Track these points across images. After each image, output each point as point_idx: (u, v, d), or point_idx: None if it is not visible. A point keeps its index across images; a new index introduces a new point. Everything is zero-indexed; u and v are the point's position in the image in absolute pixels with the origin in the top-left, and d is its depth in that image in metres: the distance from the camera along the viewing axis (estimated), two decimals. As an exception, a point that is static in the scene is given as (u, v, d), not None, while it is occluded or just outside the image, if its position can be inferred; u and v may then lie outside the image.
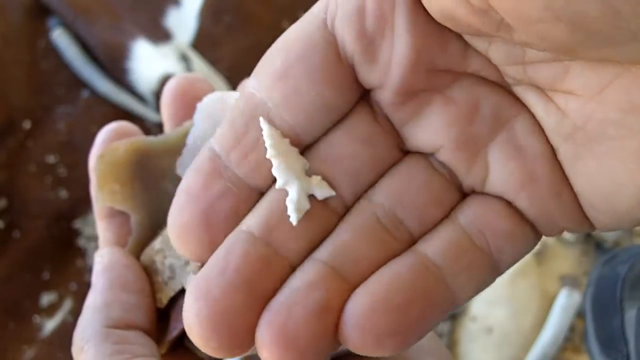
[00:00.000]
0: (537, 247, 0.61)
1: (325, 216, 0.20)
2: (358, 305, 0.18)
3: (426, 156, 0.22)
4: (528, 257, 0.61)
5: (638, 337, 0.46)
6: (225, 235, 0.20)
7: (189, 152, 0.28)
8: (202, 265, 0.20)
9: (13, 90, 0.65)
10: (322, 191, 0.20)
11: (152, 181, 0.29)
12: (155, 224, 0.29)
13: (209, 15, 0.69)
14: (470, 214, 0.21)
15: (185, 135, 0.28)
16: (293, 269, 0.20)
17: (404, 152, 0.22)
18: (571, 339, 0.58)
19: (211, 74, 0.65)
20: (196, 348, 0.27)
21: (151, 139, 0.29)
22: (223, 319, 0.18)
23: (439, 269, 0.20)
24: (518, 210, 0.21)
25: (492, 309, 0.59)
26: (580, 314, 0.58)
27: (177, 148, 0.28)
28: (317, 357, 0.18)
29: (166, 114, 0.30)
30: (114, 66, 0.66)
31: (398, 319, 0.18)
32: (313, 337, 0.18)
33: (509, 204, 0.21)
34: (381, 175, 0.21)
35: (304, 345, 0.18)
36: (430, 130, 0.21)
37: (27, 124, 0.64)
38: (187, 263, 0.27)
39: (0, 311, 0.59)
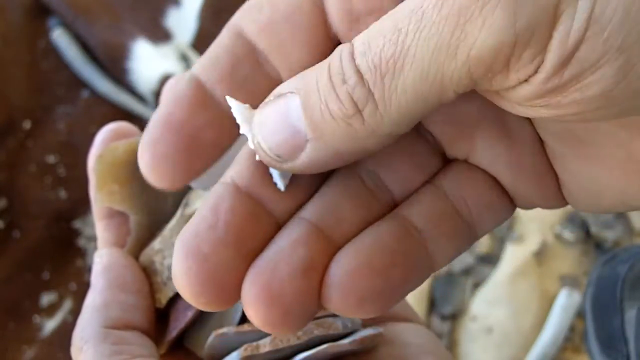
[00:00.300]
0: (537, 247, 0.62)
1: (312, 177, 0.21)
2: (341, 267, 0.19)
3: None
4: (528, 257, 0.61)
5: (638, 337, 0.46)
6: (206, 167, 0.20)
7: None
8: None
9: (13, 90, 0.65)
10: None
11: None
12: (154, 224, 0.29)
13: (209, 15, 0.69)
14: (453, 180, 0.21)
15: None
16: (279, 226, 0.20)
17: None
18: (571, 339, 0.58)
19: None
20: (196, 348, 0.27)
21: None
22: (213, 275, 0.18)
23: (420, 234, 0.20)
24: (499, 184, 0.21)
25: (492, 309, 0.59)
26: (580, 314, 0.58)
27: None
28: (301, 315, 0.18)
29: None
30: (114, 66, 0.66)
31: (380, 282, 0.19)
32: (297, 295, 0.18)
33: (491, 177, 0.21)
34: None
35: (289, 303, 0.18)
36: None
37: (27, 124, 0.64)
38: None
39: (0, 311, 0.59)
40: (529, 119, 0.21)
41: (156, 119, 0.20)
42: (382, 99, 0.17)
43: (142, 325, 0.26)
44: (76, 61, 0.66)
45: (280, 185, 0.20)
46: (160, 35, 0.68)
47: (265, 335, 0.25)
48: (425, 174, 0.21)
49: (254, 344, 0.24)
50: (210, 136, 0.20)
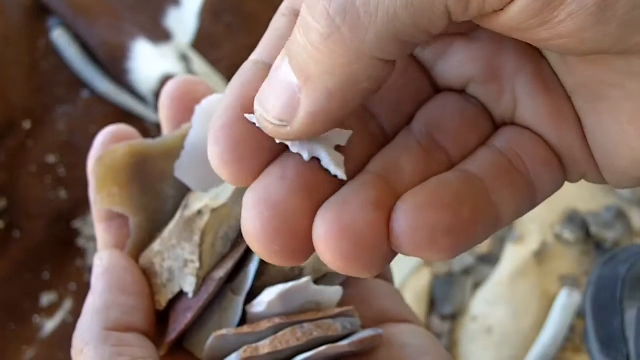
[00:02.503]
0: (537, 247, 0.62)
1: (370, 143, 0.20)
2: (408, 203, 0.18)
3: (458, 92, 0.22)
4: (528, 257, 0.61)
5: (638, 337, 0.46)
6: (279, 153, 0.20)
7: (187, 155, 0.28)
8: None
9: (13, 90, 0.65)
10: (341, 136, 0.20)
11: (150, 184, 0.29)
12: (154, 226, 0.29)
13: (209, 15, 0.69)
14: (505, 140, 0.21)
15: (184, 138, 0.28)
16: (343, 183, 0.19)
17: (437, 90, 0.22)
18: (571, 339, 0.58)
19: (211, 74, 0.65)
20: (195, 349, 0.27)
21: (149, 142, 0.29)
22: (284, 221, 0.18)
23: (483, 183, 0.20)
24: (548, 143, 0.21)
25: (492, 309, 0.59)
26: (580, 314, 0.58)
27: (175, 151, 0.28)
28: (373, 251, 0.18)
29: (164, 116, 0.30)
30: (114, 66, 0.66)
31: (449, 217, 0.18)
32: (368, 228, 0.18)
33: (540, 138, 0.21)
34: (418, 107, 0.22)
35: (360, 235, 0.18)
36: (458, 65, 0.22)
37: (27, 124, 0.64)
38: (185, 265, 0.27)
39: (0, 311, 0.59)
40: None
41: (230, 102, 0.19)
42: (367, 7, 0.16)
43: (143, 327, 0.26)
44: (76, 61, 0.66)
45: (340, 175, 0.19)
46: (160, 35, 0.68)
47: (265, 337, 0.25)
48: (478, 135, 0.21)
49: (254, 345, 0.24)
50: None
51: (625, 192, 0.63)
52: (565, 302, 0.58)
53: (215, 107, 0.27)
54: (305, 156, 0.19)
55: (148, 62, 0.65)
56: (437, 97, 0.22)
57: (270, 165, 0.19)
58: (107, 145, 0.29)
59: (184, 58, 0.66)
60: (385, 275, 0.31)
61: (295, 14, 0.21)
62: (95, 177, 0.28)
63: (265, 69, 0.19)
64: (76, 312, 0.60)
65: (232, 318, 0.26)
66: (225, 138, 0.19)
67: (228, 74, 0.65)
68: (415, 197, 0.18)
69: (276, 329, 0.25)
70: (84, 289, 0.58)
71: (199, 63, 0.66)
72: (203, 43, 0.68)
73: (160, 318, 0.27)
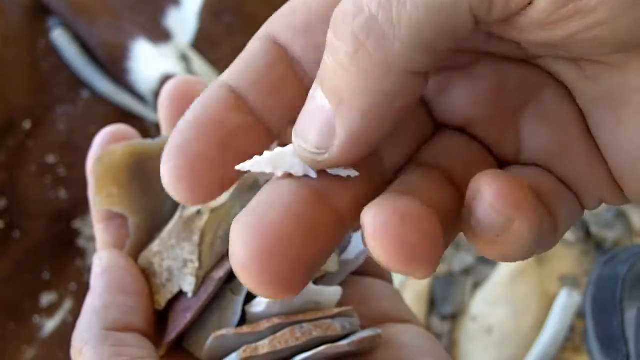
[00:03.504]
0: (537, 247, 0.61)
1: (373, 180, 0.20)
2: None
3: (459, 130, 0.22)
4: (528, 257, 0.61)
5: (638, 337, 0.46)
6: (237, 179, 0.19)
7: None
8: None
9: (13, 90, 0.65)
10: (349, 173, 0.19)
11: (149, 184, 0.29)
12: (153, 226, 0.29)
13: (209, 15, 0.69)
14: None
15: None
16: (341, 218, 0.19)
17: (437, 125, 0.22)
18: (571, 339, 0.58)
19: (211, 74, 0.65)
20: (195, 349, 0.27)
21: (148, 142, 0.29)
22: (279, 247, 0.17)
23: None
24: (556, 176, 0.21)
25: (492, 309, 0.59)
26: (580, 314, 0.58)
27: None
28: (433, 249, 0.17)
29: (163, 116, 0.30)
30: (114, 66, 0.66)
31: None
32: (421, 216, 0.17)
33: (546, 171, 0.21)
34: (419, 145, 0.21)
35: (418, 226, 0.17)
36: (459, 105, 0.21)
37: (27, 124, 0.64)
38: (184, 265, 0.27)
39: (0, 311, 0.59)
40: (567, 98, 0.20)
41: (187, 121, 0.19)
42: (390, 20, 0.16)
43: (142, 327, 0.26)
44: (76, 61, 0.66)
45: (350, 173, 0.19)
46: (160, 35, 0.68)
47: (264, 337, 0.25)
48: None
49: (253, 345, 0.24)
50: (244, 142, 0.19)
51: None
52: (565, 302, 0.58)
53: None
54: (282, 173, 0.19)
55: (148, 62, 0.65)
56: (439, 137, 0.22)
57: (261, 192, 0.19)
58: (106, 146, 0.29)
59: (184, 58, 0.66)
60: (385, 276, 0.31)
61: (271, 39, 0.20)
62: (94, 177, 0.28)
63: (231, 93, 0.19)
64: (76, 312, 0.60)
65: (231, 318, 0.26)
66: (180, 157, 0.18)
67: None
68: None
69: (275, 329, 0.25)
70: (84, 289, 0.58)
71: (199, 63, 0.66)
72: (203, 43, 0.68)
73: (160, 318, 0.27)
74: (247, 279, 0.17)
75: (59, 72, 0.67)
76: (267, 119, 0.20)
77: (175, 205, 0.29)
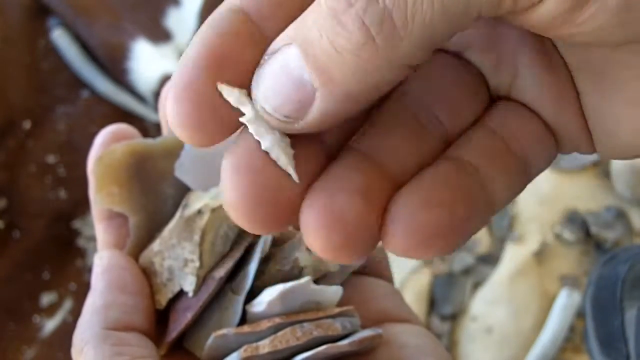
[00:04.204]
0: (537, 247, 0.62)
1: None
2: (403, 204, 0.18)
3: (455, 55, 0.21)
4: (528, 257, 0.61)
5: (638, 337, 0.46)
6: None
7: (187, 155, 0.28)
8: None
9: (13, 90, 0.65)
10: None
11: (150, 183, 0.29)
12: (154, 226, 0.29)
13: (209, 15, 0.69)
14: (500, 119, 0.20)
15: None
16: (330, 157, 0.19)
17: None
18: (571, 339, 0.58)
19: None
20: (195, 349, 0.27)
21: (149, 141, 0.29)
22: (266, 190, 0.17)
23: (478, 172, 0.19)
24: (542, 119, 0.21)
25: (492, 309, 0.59)
26: (580, 314, 0.58)
27: (175, 151, 0.28)
28: (363, 240, 0.17)
29: (164, 116, 0.30)
30: (114, 66, 0.66)
31: (445, 217, 0.18)
32: (357, 219, 0.17)
33: (534, 112, 0.21)
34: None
35: (349, 228, 0.17)
36: None
37: (27, 124, 0.64)
38: (185, 265, 0.27)
39: (0, 311, 0.59)
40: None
41: (198, 56, 0.18)
42: (404, 17, 0.16)
43: (143, 327, 0.26)
44: (76, 61, 0.66)
45: (293, 176, 0.18)
46: (160, 35, 0.68)
47: (265, 337, 0.25)
48: (474, 109, 0.21)
49: (254, 345, 0.24)
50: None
51: (625, 192, 0.63)
52: (565, 302, 0.58)
53: None
54: (264, 146, 0.18)
55: (148, 62, 0.65)
56: (433, 62, 0.21)
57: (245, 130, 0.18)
58: (106, 145, 0.29)
59: (184, 58, 0.66)
60: (385, 275, 0.31)
61: None
62: (94, 176, 0.28)
63: (246, 21, 0.18)
64: (76, 312, 0.60)
65: (232, 317, 0.26)
66: (188, 99, 0.17)
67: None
68: (410, 197, 0.18)
69: (276, 329, 0.25)
70: (84, 289, 0.58)
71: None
72: (203, 43, 0.68)
73: (160, 317, 0.27)
74: (237, 218, 0.18)
75: (59, 72, 0.67)
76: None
77: (176, 205, 0.29)
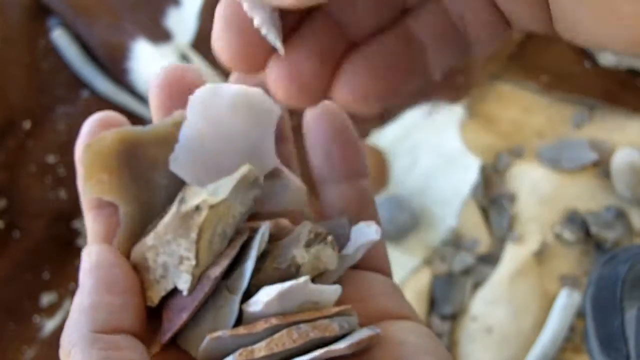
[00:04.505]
0: (537, 247, 0.62)
1: None
2: (351, 67, 0.22)
3: None
4: (528, 257, 0.61)
5: (638, 337, 0.46)
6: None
7: (182, 149, 0.27)
8: None
9: (13, 90, 0.65)
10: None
11: (141, 172, 0.27)
12: (146, 217, 0.28)
13: (209, 15, 0.69)
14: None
15: (175, 125, 0.27)
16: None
17: None
18: (571, 339, 0.58)
19: (211, 74, 0.65)
20: (190, 348, 0.26)
21: (139, 128, 0.28)
22: (248, 39, 0.22)
23: (422, 45, 0.23)
24: (493, 2, 0.22)
25: (492, 309, 0.59)
26: (580, 314, 0.58)
27: (166, 139, 0.27)
28: (315, 94, 0.22)
29: (154, 106, 0.29)
30: (114, 66, 0.66)
31: (383, 83, 0.22)
32: (313, 77, 0.22)
33: None
34: None
35: (306, 83, 0.22)
36: None
37: (27, 124, 0.64)
38: (180, 262, 0.26)
39: (0, 311, 0.59)
40: None
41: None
42: None
43: (132, 327, 0.25)
44: (76, 61, 0.66)
45: (280, 50, 0.22)
46: (160, 35, 0.68)
47: (261, 339, 0.24)
48: None
49: (249, 348, 0.24)
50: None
51: (625, 192, 0.63)
52: (565, 302, 0.58)
53: (210, 97, 0.27)
54: (255, 22, 0.21)
55: (148, 62, 0.65)
56: None
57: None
58: (95, 133, 0.28)
59: (184, 58, 0.67)
60: (385, 270, 0.30)
61: None
62: (83, 164, 0.27)
63: None
64: (76, 312, 0.60)
65: (228, 317, 0.26)
66: (238, 31, 0.22)
67: (228, 74, 0.65)
68: (358, 62, 0.22)
69: (273, 330, 0.24)
70: (84, 288, 0.58)
71: (199, 63, 0.66)
72: (203, 43, 0.68)
73: (151, 313, 0.27)
74: (222, 59, 0.22)
75: (59, 72, 0.67)
76: None
77: (169, 197, 0.28)
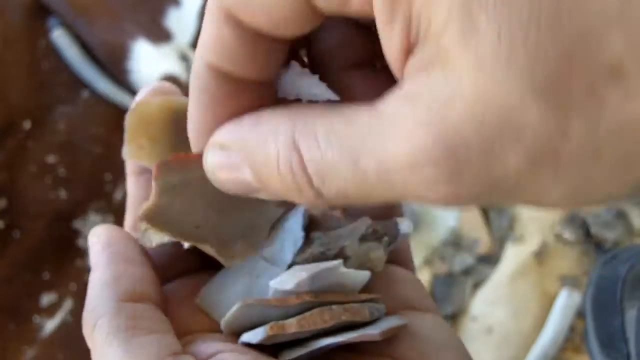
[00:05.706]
0: (537, 247, 0.62)
1: None
2: None
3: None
4: (528, 257, 0.61)
5: (638, 337, 0.46)
6: None
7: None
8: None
9: (13, 90, 0.65)
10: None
11: (182, 143, 0.27)
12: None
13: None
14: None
15: None
16: None
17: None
18: (571, 339, 0.58)
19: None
20: (211, 310, 0.26)
21: (186, 99, 0.26)
22: None
23: None
24: None
25: (492, 309, 0.59)
26: (580, 314, 0.58)
27: None
28: None
29: None
30: (114, 66, 0.66)
31: None
32: None
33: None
34: None
35: None
36: None
37: (27, 124, 0.64)
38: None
39: (1, 311, 0.59)
40: None
41: (200, 125, 0.23)
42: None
43: (155, 298, 0.25)
44: (76, 61, 0.66)
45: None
46: (160, 35, 0.68)
47: (292, 314, 0.24)
48: None
49: (280, 322, 0.24)
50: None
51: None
52: (565, 302, 0.58)
53: None
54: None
55: (148, 62, 0.65)
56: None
57: None
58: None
59: (184, 58, 0.66)
60: (409, 265, 0.30)
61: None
62: (126, 127, 0.27)
63: (220, 76, 0.21)
64: (76, 312, 0.60)
65: (264, 288, 0.25)
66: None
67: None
68: None
69: (304, 307, 0.24)
70: (84, 289, 0.58)
71: (199, 63, 0.66)
72: (203, 43, 0.68)
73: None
74: None
75: (59, 72, 0.67)
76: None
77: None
